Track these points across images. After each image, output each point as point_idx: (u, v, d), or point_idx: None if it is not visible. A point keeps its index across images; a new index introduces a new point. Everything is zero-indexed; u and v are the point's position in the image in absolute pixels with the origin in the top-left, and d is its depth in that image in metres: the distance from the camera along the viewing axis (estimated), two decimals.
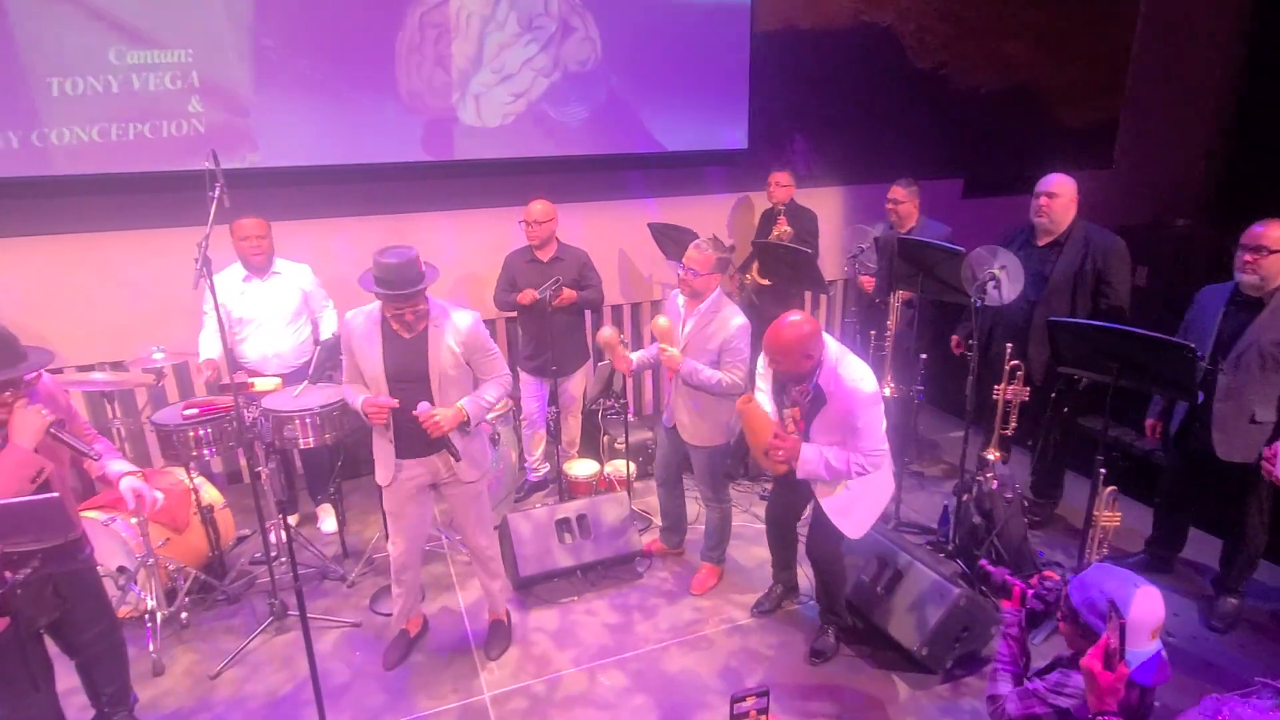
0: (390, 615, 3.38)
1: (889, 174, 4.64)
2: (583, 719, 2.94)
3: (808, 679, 3.13)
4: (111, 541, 3.33)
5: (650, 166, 5.20)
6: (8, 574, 1.74)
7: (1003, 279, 3.42)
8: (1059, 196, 3.69)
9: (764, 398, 3.05)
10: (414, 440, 2.88)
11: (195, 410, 3.39)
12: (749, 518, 4.26)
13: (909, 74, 5.74)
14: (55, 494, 1.94)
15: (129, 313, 4.22)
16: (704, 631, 3.41)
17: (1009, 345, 3.62)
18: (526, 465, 4.59)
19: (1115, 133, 6.67)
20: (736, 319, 3.25)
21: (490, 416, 4.04)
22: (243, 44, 3.99)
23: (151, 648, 3.20)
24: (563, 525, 3.73)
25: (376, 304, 2.82)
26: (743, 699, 2.14)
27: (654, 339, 3.44)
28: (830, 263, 5.63)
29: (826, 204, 5.55)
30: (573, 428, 4.56)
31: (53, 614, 2.40)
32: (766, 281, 4.69)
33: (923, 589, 3.12)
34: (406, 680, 3.14)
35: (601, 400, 4.74)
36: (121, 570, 3.35)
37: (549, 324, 3.91)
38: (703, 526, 3.75)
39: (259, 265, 3.81)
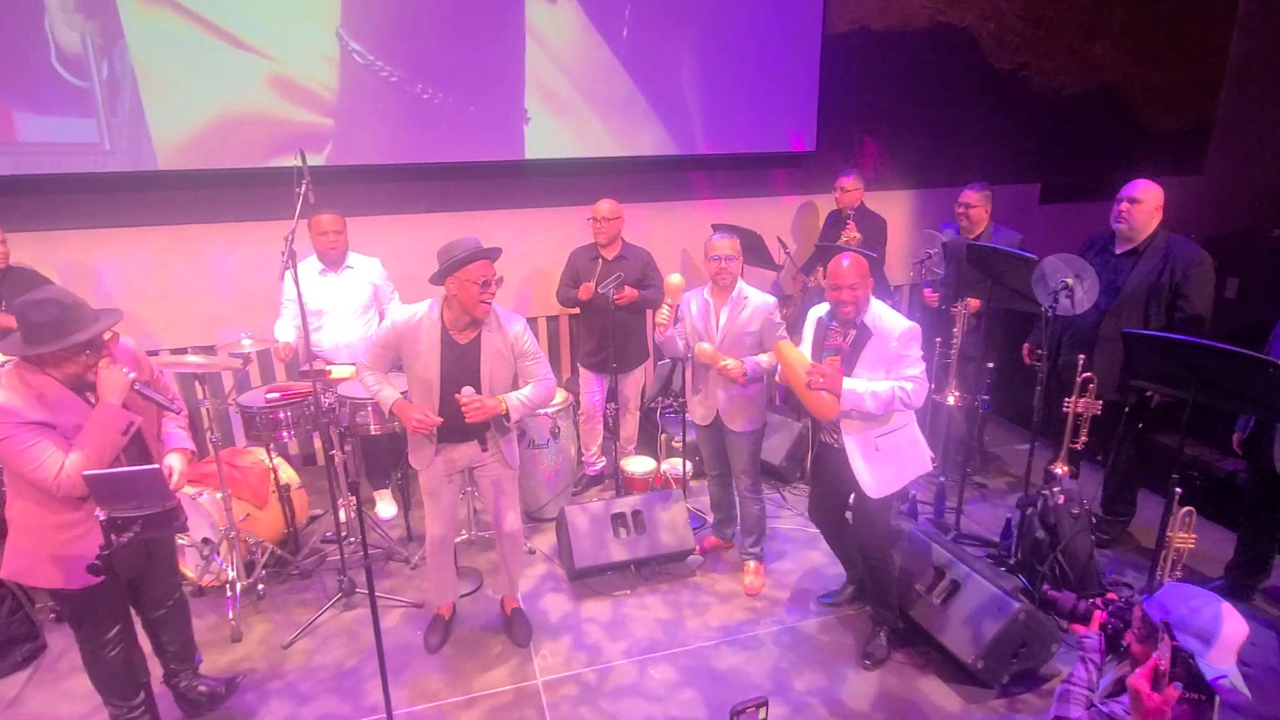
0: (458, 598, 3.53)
1: (961, 178, 4.55)
2: (631, 709, 3.00)
3: (858, 684, 3.11)
4: (198, 514, 3.56)
5: (716, 168, 5.23)
6: (113, 536, 1.91)
7: (1076, 288, 3.32)
8: (1142, 203, 3.55)
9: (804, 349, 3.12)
10: (453, 427, 2.98)
11: (277, 394, 3.59)
12: (804, 521, 4.24)
13: (986, 75, 5.60)
14: (156, 465, 2.11)
15: (219, 301, 4.49)
16: (755, 632, 3.42)
17: (1081, 356, 3.51)
18: (584, 459, 4.68)
19: (1208, 137, 6.35)
20: (766, 299, 3.39)
21: (551, 411, 4.15)
22: (329, 48, 4.19)
23: (231, 615, 3.40)
24: (618, 520, 3.79)
25: (431, 305, 2.91)
26: (742, 710, 2.14)
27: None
28: (896, 268, 5.54)
29: (894, 208, 5.46)
30: (631, 424, 4.63)
31: (138, 569, 2.61)
32: None
33: (981, 601, 3.06)
34: (462, 662, 3.25)
35: (660, 398, 4.80)
36: (206, 541, 3.58)
37: (610, 321, 3.98)
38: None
39: (334, 259, 4.00)
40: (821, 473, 3.28)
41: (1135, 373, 3.08)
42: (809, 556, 3.95)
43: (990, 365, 4.09)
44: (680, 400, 4.71)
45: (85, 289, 4.24)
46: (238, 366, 3.57)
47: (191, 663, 2.96)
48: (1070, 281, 3.30)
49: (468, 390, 2.87)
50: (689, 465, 4.45)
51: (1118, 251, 3.67)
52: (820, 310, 3.07)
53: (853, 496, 3.13)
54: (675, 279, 3.47)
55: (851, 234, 4.63)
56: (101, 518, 1.99)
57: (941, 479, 4.17)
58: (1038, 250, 3.55)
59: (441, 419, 2.91)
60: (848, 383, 2.85)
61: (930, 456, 3.11)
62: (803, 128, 5.16)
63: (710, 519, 4.10)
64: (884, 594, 3.23)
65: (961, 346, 4.10)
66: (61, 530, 2.33)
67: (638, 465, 4.46)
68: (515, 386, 3.07)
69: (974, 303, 4.06)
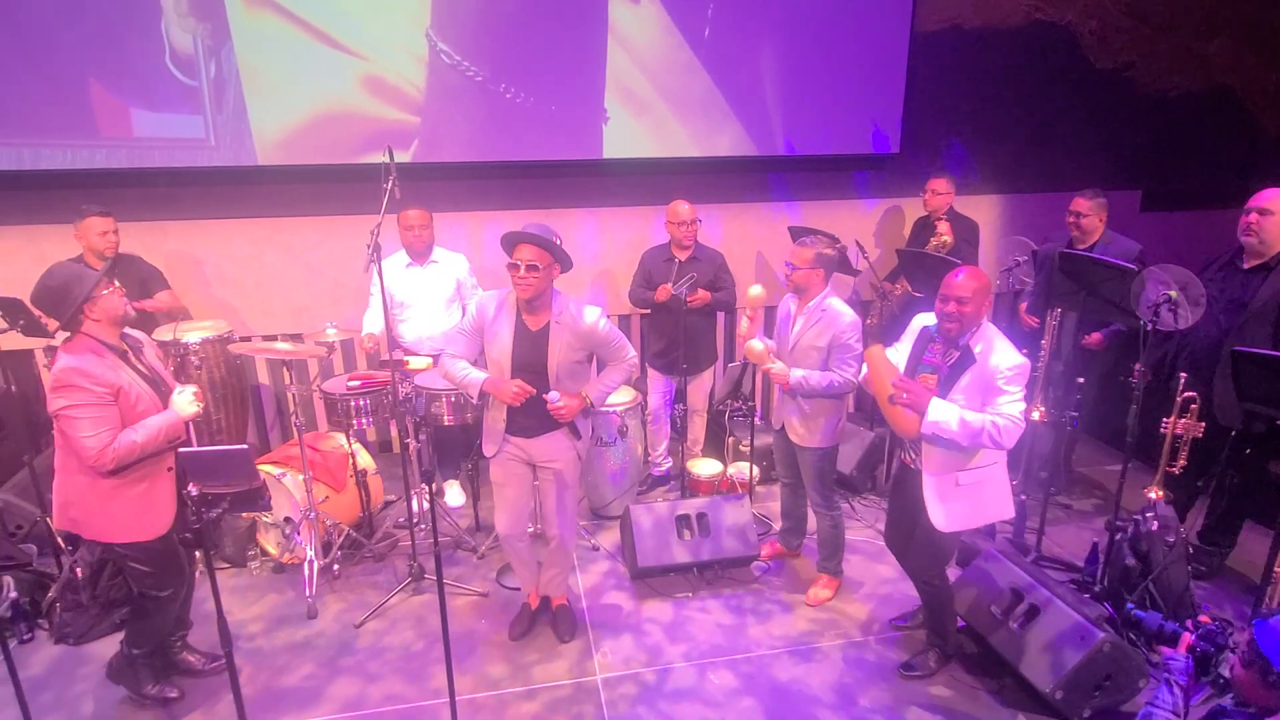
0: (517, 590, 3.58)
1: (1056, 183, 4.34)
2: (690, 713, 2.98)
3: (925, 706, 3.00)
4: (281, 494, 3.73)
5: (794, 169, 5.14)
6: (205, 512, 2.03)
7: (1181, 302, 3.11)
8: (1273, 214, 3.29)
9: (893, 358, 2.97)
10: (526, 420, 3.01)
11: (358, 382, 3.72)
12: (873, 534, 4.13)
13: (1086, 75, 5.32)
14: (245, 445, 2.23)
15: (308, 291, 4.70)
16: (818, 644, 3.35)
17: (1183, 375, 3.29)
18: (651, 459, 4.68)
19: None
20: (846, 314, 3.23)
21: (620, 409, 4.16)
22: (419, 48, 4.32)
23: (308, 593, 3.55)
24: (683, 522, 3.78)
25: (509, 290, 2.95)
26: None
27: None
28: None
29: (981, 213, 5.25)
30: (698, 426, 4.61)
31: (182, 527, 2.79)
32: (919, 294, 4.51)
33: (1062, 629, 2.91)
34: (524, 653, 3.30)
35: (729, 401, 4.75)
36: (288, 520, 3.75)
37: (681, 323, 3.97)
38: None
39: (420, 252, 4.12)
40: (899, 494, 3.12)
41: (1244, 394, 2.87)
42: (877, 570, 3.84)
43: (1080, 380, 3.88)
44: (749, 404, 4.67)
45: (188, 277, 4.51)
46: (323, 354, 3.72)
47: (184, 629, 3.14)
48: (1174, 294, 3.10)
49: (553, 395, 2.91)
50: (756, 470, 4.39)
51: (1245, 266, 3.42)
52: (927, 319, 2.89)
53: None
54: (755, 290, 3.42)
55: (943, 237, 4.45)
56: (194, 493, 2.11)
57: (1023, 497, 3.98)
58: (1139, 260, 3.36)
59: (533, 389, 2.92)
60: (935, 405, 2.66)
61: (1017, 500, 2.94)
62: (886, 129, 5.02)
63: (776, 526, 4.04)
64: (940, 622, 3.11)
65: (1050, 359, 3.90)
66: (130, 487, 2.57)
67: (704, 468, 4.44)
68: (588, 371, 3.08)
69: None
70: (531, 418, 3.01)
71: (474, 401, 3.03)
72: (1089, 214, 4.07)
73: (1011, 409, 2.62)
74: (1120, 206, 5.57)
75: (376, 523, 4.17)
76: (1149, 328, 3.14)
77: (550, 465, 3.11)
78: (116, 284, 2.63)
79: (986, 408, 2.65)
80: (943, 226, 4.53)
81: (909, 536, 3.05)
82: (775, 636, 3.39)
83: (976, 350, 2.67)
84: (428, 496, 3.05)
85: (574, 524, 3.32)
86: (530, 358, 2.93)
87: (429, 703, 3.01)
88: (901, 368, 2.89)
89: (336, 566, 3.79)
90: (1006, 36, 5.13)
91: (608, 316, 3.04)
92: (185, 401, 2.64)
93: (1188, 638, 2.01)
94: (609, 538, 4.13)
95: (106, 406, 2.48)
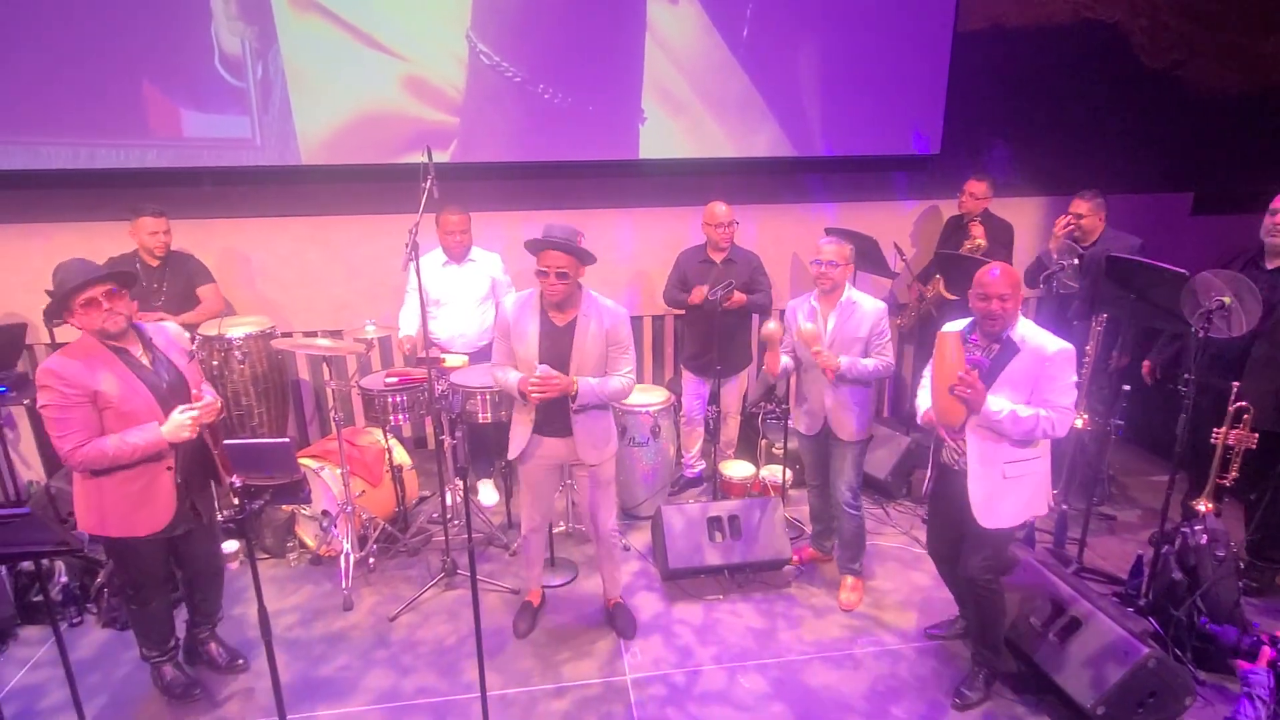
0: (548, 587, 3.62)
1: (1102, 185, 4.23)
2: (719, 716, 2.96)
3: (961, 717, 2.95)
4: (319, 487, 3.80)
5: (832, 170, 5.09)
6: (248, 503, 2.08)
7: (1235, 309, 3.01)
8: None
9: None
10: (552, 420, 3.04)
11: (395, 379, 3.78)
12: (907, 540, 4.07)
13: (1135, 75, 5.18)
14: (287, 439, 2.27)
15: (348, 288, 4.78)
16: (851, 650, 3.31)
17: (1235, 384, 3.19)
18: (683, 460, 4.67)
19: None
20: (877, 304, 3.31)
21: (653, 410, 4.16)
22: (459, 49, 4.37)
23: (344, 585, 3.61)
24: (714, 524, 3.76)
25: (534, 290, 3.00)
26: None
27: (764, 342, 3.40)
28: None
29: (1024, 216, 5.15)
30: (731, 428, 4.59)
31: (188, 526, 2.81)
32: (953, 296, 4.44)
33: (1105, 643, 2.83)
34: (554, 651, 3.31)
35: (763, 404, 4.72)
36: (325, 513, 3.82)
37: (716, 324, 3.95)
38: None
39: (458, 253, 4.17)
40: (941, 500, 3.05)
41: None
42: (912, 577, 3.79)
43: (1126, 388, 3.78)
44: (783, 407, 4.63)
45: (233, 273, 4.62)
46: (361, 351, 3.79)
47: (213, 621, 3.18)
48: (1227, 301, 3.00)
49: (542, 368, 2.90)
50: (789, 473, 4.36)
51: (1269, 267, 3.34)
52: (957, 325, 2.87)
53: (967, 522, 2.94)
54: (770, 327, 3.41)
55: (977, 240, 4.40)
56: (237, 484, 2.16)
57: (1064, 506, 3.89)
58: (1189, 265, 3.26)
59: (553, 375, 2.91)
60: (991, 400, 2.65)
61: (1058, 510, 2.89)
62: (927, 129, 4.95)
63: (809, 530, 4.00)
64: (990, 634, 3.02)
65: (1094, 365, 3.81)
66: (126, 483, 2.60)
67: (737, 470, 4.41)
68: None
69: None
70: (560, 417, 3.03)
71: (523, 404, 3.04)
72: (1089, 214, 4.07)
73: (1064, 399, 2.64)
74: (1169, 210, 5.43)
75: (411, 518, 4.22)
76: (1199, 334, 3.04)
77: (584, 464, 3.13)
78: (105, 299, 2.53)
79: (1036, 397, 2.65)
80: (976, 229, 4.46)
81: (955, 543, 2.99)
82: (807, 642, 3.36)
83: (1018, 341, 2.68)
84: (461, 492, 3.08)
85: (614, 521, 3.34)
86: (555, 352, 2.97)
87: (460, 697, 3.04)
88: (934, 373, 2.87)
89: (372, 560, 3.85)
90: (1052, 35, 5.02)
91: (630, 319, 3.06)
92: (177, 425, 2.56)
93: (1268, 652, 1.94)
94: (640, 538, 4.13)
95: (76, 409, 2.49)
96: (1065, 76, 5.11)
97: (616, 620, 3.44)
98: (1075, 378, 2.67)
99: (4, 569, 3.34)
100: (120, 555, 2.80)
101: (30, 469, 4.15)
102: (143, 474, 2.62)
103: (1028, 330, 2.70)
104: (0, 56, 4.02)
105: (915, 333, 4.88)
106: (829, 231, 4.71)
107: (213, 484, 2.48)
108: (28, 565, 3.42)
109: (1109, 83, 5.16)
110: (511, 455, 3.17)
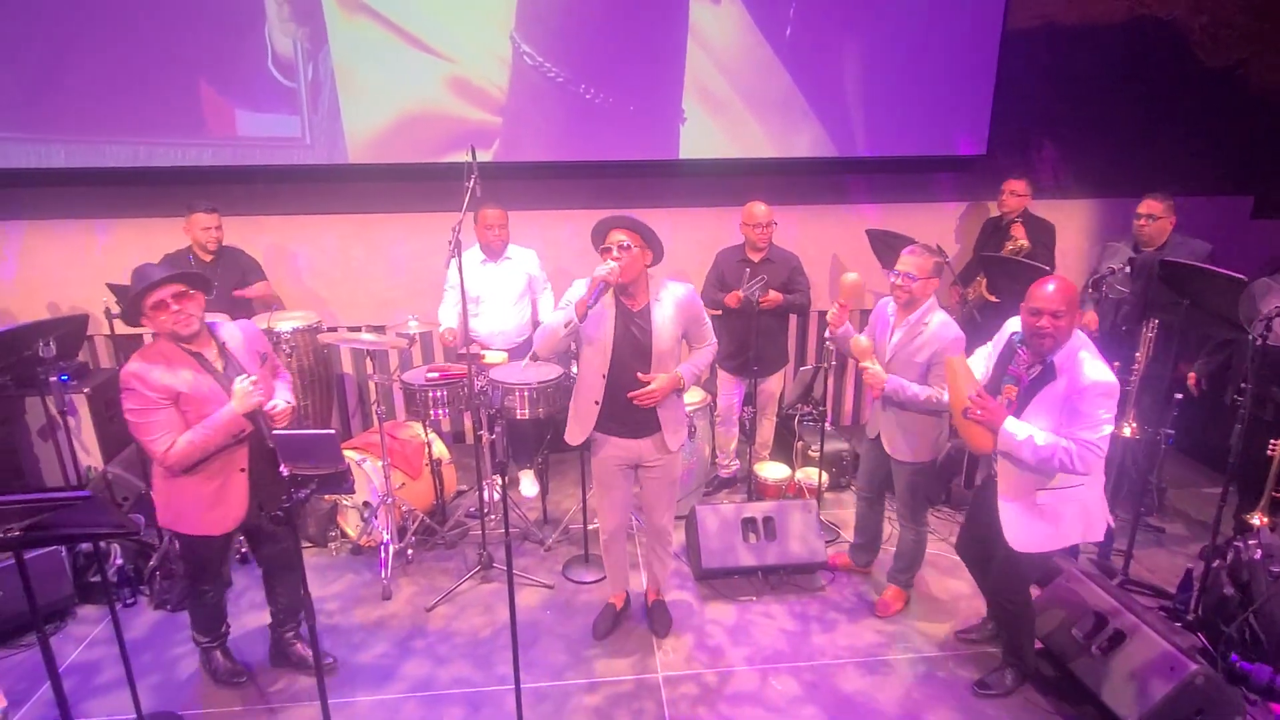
0: (581, 583, 3.64)
1: (1157, 188, 4.11)
2: (751, 718, 2.96)
3: None
4: (360, 479, 3.89)
5: (873, 171, 5.03)
6: (295, 492, 2.14)
7: None
8: None
9: (978, 363, 2.89)
10: (624, 420, 3.01)
11: (436, 374, 3.84)
12: (946, 547, 4.00)
13: (1193, 74, 5.02)
14: (333, 431, 2.34)
15: (390, 284, 4.88)
16: (885, 656, 3.27)
17: None
18: (718, 461, 4.66)
19: None
20: (952, 330, 3.10)
21: (689, 409, 4.16)
22: (503, 50, 4.43)
23: (384, 575, 3.69)
24: (748, 524, 3.75)
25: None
26: None
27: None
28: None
29: (1072, 217, 5.04)
30: (767, 429, 4.56)
31: (254, 523, 2.86)
32: (995, 299, 4.36)
33: (1149, 657, 2.75)
34: (587, 647, 3.34)
35: (799, 405, 4.69)
36: (366, 504, 3.90)
37: (753, 324, 3.94)
38: (894, 548, 3.59)
39: (496, 250, 4.23)
40: (978, 506, 3.01)
41: None
42: (949, 585, 3.73)
43: (1178, 396, 3.67)
44: (820, 409, 4.60)
45: (282, 269, 4.76)
46: (404, 346, 3.86)
47: (296, 620, 3.18)
48: None
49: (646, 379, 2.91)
50: (825, 476, 4.32)
51: None
52: (1017, 326, 2.75)
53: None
54: (851, 277, 3.35)
55: (1019, 241, 4.31)
56: (285, 474, 2.23)
57: (1110, 517, 3.79)
58: (1248, 270, 3.15)
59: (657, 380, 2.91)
60: (1009, 424, 2.56)
61: (1107, 526, 2.78)
62: (973, 130, 4.86)
63: (844, 533, 3.96)
64: (1016, 643, 2.98)
65: (1145, 373, 3.70)
66: (203, 484, 2.67)
67: (772, 471, 4.39)
68: (679, 356, 3.06)
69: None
70: (637, 415, 3.00)
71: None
72: (1161, 216, 3.90)
73: (1089, 434, 2.47)
74: (1228, 213, 5.25)
75: (449, 511, 4.29)
76: (1258, 342, 2.94)
77: (655, 463, 3.10)
78: (173, 300, 2.56)
79: (1062, 428, 2.52)
80: (1018, 230, 4.37)
81: (986, 550, 2.94)
82: (840, 646, 3.33)
83: (1061, 366, 2.54)
84: (499, 488, 3.12)
85: (674, 516, 3.34)
86: (631, 338, 2.94)
87: (495, 689, 3.09)
88: (989, 372, 2.80)
89: (410, 551, 3.92)
90: (1106, 33, 4.89)
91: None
92: (242, 392, 2.61)
93: None
94: (674, 537, 4.13)
95: (161, 411, 2.56)
96: (1119, 75, 4.97)
97: (654, 617, 3.44)
98: (1109, 414, 2.50)
99: (64, 550, 3.48)
100: (188, 546, 2.89)
101: (89, 455, 4.32)
102: (218, 475, 2.69)
103: (1075, 357, 2.53)
104: (69, 61, 4.20)
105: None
106: (870, 234, 4.67)
107: (341, 479, 2.52)
108: (86, 547, 3.57)
109: (1165, 82, 5.01)
110: (574, 441, 3.13)
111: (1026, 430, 2.54)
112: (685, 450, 4.22)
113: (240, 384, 2.63)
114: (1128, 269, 3.82)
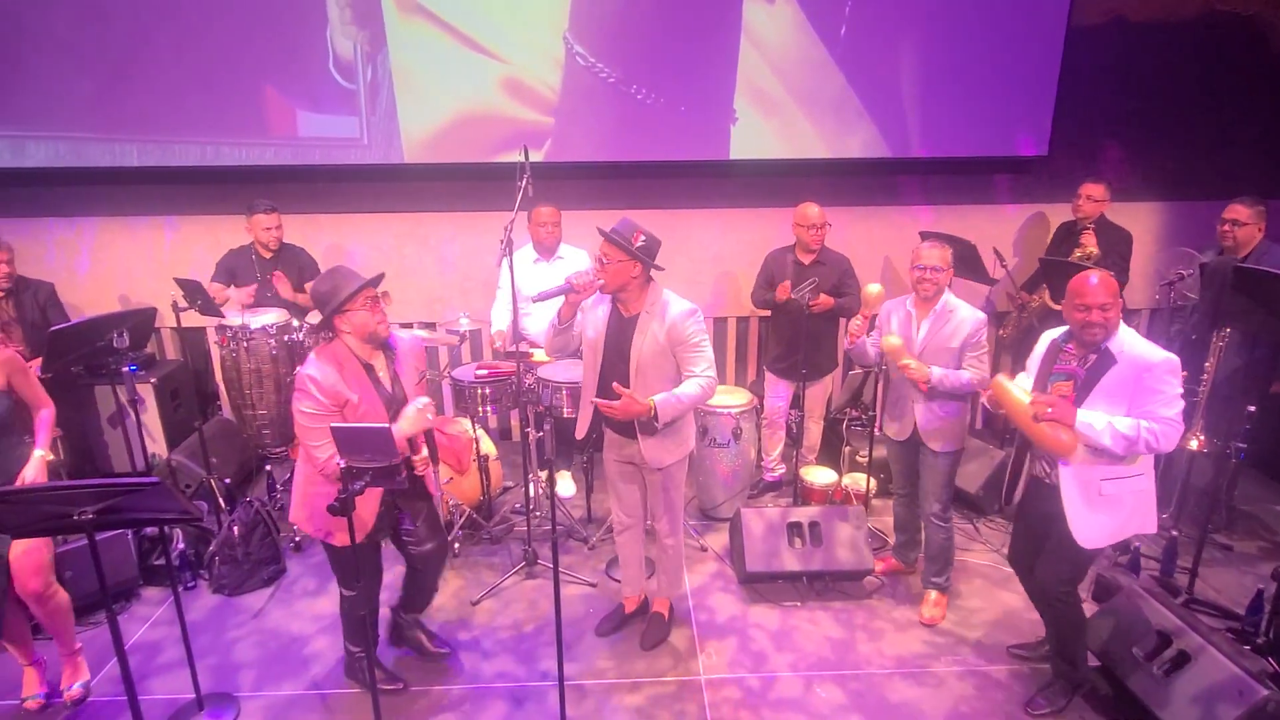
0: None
1: (1228, 190, 3.94)
2: None
3: None
4: None
5: (928, 172, 4.93)
6: (350, 484, 2.20)
7: None
8: None
9: (1024, 379, 2.84)
10: (615, 422, 3.02)
11: (485, 372, 3.90)
12: (998, 558, 3.90)
13: (1272, 71, 4.79)
14: (387, 424, 2.39)
15: (442, 282, 4.96)
16: (933, 668, 3.20)
17: None
18: (764, 464, 4.62)
19: None
20: (976, 314, 3.18)
21: (735, 411, 4.13)
22: (556, 50, 4.47)
23: None
24: (794, 529, 3.71)
25: None
26: None
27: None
28: (1139, 290, 4.92)
29: (1138, 222, 4.85)
30: (814, 434, 4.51)
31: (391, 530, 2.93)
32: (1057, 306, 4.23)
33: (1216, 680, 2.64)
34: (630, 646, 3.34)
35: (848, 410, 4.62)
36: None
37: (803, 327, 3.89)
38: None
39: (549, 248, 4.26)
40: (1029, 511, 2.92)
41: None
42: (1001, 597, 3.63)
43: (1251, 409, 3.50)
44: (869, 414, 4.52)
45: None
46: (454, 342, 3.93)
47: (415, 611, 3.23)
48: None
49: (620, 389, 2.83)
50: (873, 482, 4.25)
51: None
52: (1055, 333, 2.78)
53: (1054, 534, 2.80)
54: (874, 289, 3.35)
55: (1089, 249, 4.17)
56: (341, 464, 2.28)
57: (1175, 533, 3.65)
58: None
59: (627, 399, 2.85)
60: (1083, 414, 2.53)
61: (1168, 537, 2.71)
62: (1034, 130, 4.72)
63: (892, 541, 3.89)
64: (1066, 647, 2.89)
65: (1215, 383, 3.55)
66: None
67: (818, 476, 4.34)
68: (673, 376, 2.96)
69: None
70: (623, 421, 2.96)
71: (556, 322, 2.98)
72: (1249, 222, 3.75)
73: (1168, 410, 2.49)
74: None
75: (495, 507, 4.34)
76: None
77: (653, 466, 3.08)
78: (378, 301, 2.67)
79: (1136, 409, 2.51)
80: (1088, 237, 4.23)
81: (1036, 552, 2.87)
82: (887, 655, 3.27)
83: (1116, 351, 2.55)
84: (545, 484, 3.14)
85: (678, 525, 3.27)
86: (618, 344, 2.96)
87: (537, 684, 3.12)
88: (1033, 381, 2.76)
89: (457, 545, 3.98)
90: (1179, 30, 4.70)
91: (704, 319, 2.98)
92: (411, 418, 2.64)
93: None
94: (718, 540, 4.12)
95: (329, 418, 2.54)
96: (1192, 73, 4.77)
97: (648, 626, 3.37)
98: (1180, 389, 2.51)
99: (130, 533, 3.63)
100: (330, 550, 2.87)
101: (154, 442, 4.49)
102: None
103: (1127, 339, 2.57)
104: (142, 65, 4.38)
105: (1016, 344, 4.67)
106: (924, 235, 4.57)
107: (395, 472, 2.51)
108: (151, 531, 3.72)
109: (1241, 80, 4.79)
110: (579, 434, 3.18)
111: (1103, 418, 2.51)
112: (729, 452, 4.21)
113: (413, 406, 2.66)
114: (1197, 274, 3.67)
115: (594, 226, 4.80)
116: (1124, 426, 2.49)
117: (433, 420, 2.71)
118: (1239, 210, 3.78)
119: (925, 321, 3.23)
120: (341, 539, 2.67)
